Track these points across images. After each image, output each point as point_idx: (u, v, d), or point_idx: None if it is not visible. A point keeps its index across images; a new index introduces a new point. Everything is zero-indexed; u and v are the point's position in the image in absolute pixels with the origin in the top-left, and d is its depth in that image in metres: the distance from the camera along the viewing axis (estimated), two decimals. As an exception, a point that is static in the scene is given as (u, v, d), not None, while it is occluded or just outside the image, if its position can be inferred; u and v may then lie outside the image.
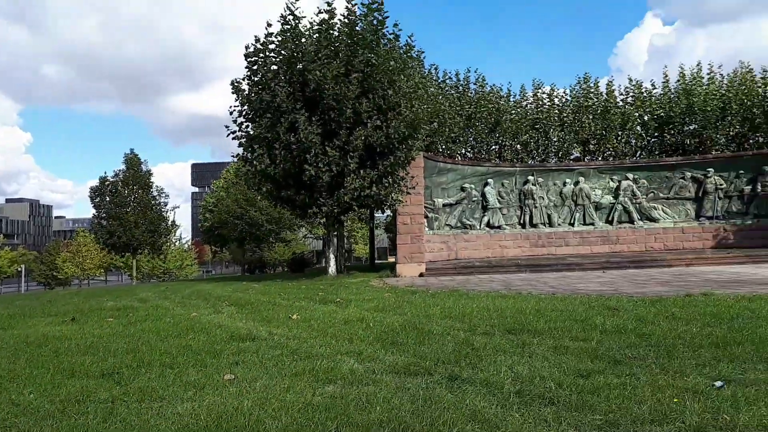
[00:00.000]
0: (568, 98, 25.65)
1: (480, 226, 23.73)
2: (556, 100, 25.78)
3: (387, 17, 18.10)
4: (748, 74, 24.72)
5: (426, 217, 21.45)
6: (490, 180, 23.66)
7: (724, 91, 24.58)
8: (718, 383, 4.30)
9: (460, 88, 24.91)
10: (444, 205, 22.73)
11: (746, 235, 23.47)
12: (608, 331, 6.66)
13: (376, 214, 31.88)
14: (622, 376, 4.67)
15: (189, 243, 59.69)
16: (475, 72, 25.04)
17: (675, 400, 3.96)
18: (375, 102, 17.38)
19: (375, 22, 18.02)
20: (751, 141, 24.77)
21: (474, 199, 23.46)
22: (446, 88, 24.49)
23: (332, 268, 19.17)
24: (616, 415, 3.80)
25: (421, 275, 18.53)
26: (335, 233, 20.20)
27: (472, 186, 23.36)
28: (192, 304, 11.99)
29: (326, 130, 17.38)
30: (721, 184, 23.84)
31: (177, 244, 51.79)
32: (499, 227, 23.94)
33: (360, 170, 17.32)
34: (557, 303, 9.33)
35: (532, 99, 25.68)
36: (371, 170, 17.44)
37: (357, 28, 18.18)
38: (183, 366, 5.70)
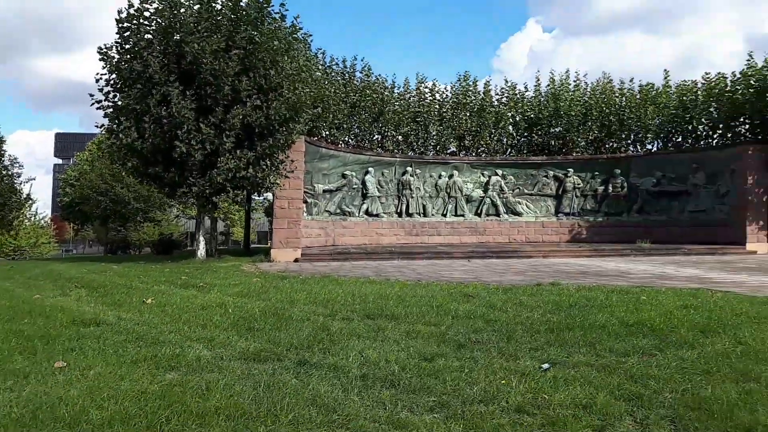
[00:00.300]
0: (449, 94, 26.57)
1: (359, 213, 24.00)
2: (437, 95, 26.60)
3: (273, -5, 17.60)
4: (608, 84, 27.08)
5: (305, 202, 21.30)
6: (371, 168, 23.97)
7: (587, 98, 26.74)
8: (545, 365, 4.66)
9: (346, 75, 24.89)
10: (324, 191, 22.69)
11: (597, 231, 25.83)
12: (460, 316, 7.00)
13: (256, 198, 31.15)
14: (462, 359, 4.92)
15: (47, 219, 54.53)
16: (362, 61, 25.16)
17: (503, 381, 4.24)
18: (256, 81, 16.86)
19: (260, -1, 17.46)
20: (606, 146, 27.16)
21: (354, 186, 23.66)
22: (332, 74, 24.35)
23: (201, 251, 18.44)
24: (449, 396, 3.99)
25: (296, 261, 18.38)
26: (207, 215, 19.44)
27: (353, 173, 23.54)
28: (38, 285, 10.98)
29: (201, 106, 16.60)
30: (578, 184, 26.00)
31: (33, 219, 47.12)
32: (377, 215, 24.37)
33: (236, 150, 16.76)
34: (420, 289, 9.65)
35: (415, 92, 26.27)
36: (248, 151, 16.94)
37: (241, 3, 17.50)
38: (8, 353, 5.18)
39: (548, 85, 27.33)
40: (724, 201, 23.05)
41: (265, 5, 17.57)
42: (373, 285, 10.55)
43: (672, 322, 6.44)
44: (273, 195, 19.63)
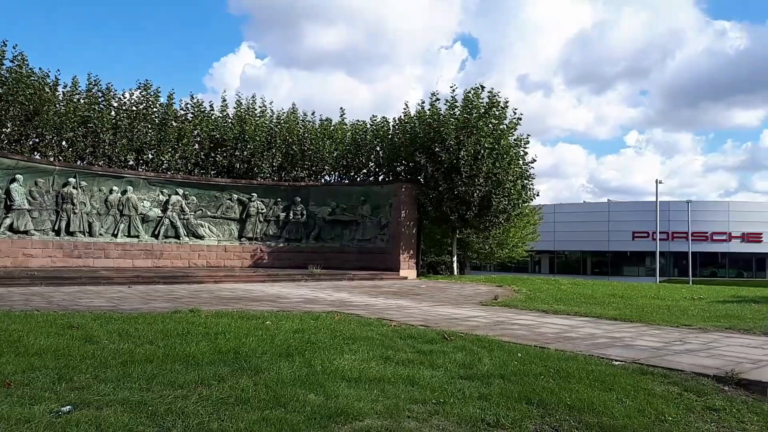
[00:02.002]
0: (126, 102, 24.38)
1: (0, 229, 20.08)
2: (114, 102, 24.18)
3: None
4: (292, 115, 28.32)
5: None
6: (19, 176, 20.37)
7: (273, 126, 27.48)
8: (66, 408, 4.00)
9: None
10: (-53, 200, 18.37)
11: (278, 256, 26.48)
12: (30, 353, 5.87)
13: None
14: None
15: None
16: (14, 48, 21.31)
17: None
18: None
19: None
20: (291, 174, 28.23)
21: (-7, 196, 19.75)
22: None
23: None
24: None
25: None
26: None
27: (-6, 180, 19.69)
28: None
29: None
30: (262, 209, 26.35)
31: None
32: (26, 232, 20.75)
33: None
34: (17, 323, 8.06)
35: (85, 95, 23.37)
36: None
37: None
38: None
39: (235, 108, 27.34)
40: (384, 232, 25.94)
41: None
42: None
43: (263, 347, 6.45)
44: None
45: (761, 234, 56.82)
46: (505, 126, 24.47)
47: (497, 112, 24.34)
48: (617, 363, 6.58)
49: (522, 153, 24.95)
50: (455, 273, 27.82)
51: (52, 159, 22.02)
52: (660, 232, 49.93)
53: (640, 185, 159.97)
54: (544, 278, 28.29)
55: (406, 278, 24.25)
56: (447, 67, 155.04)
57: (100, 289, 15.77)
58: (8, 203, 20.18)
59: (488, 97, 24.58)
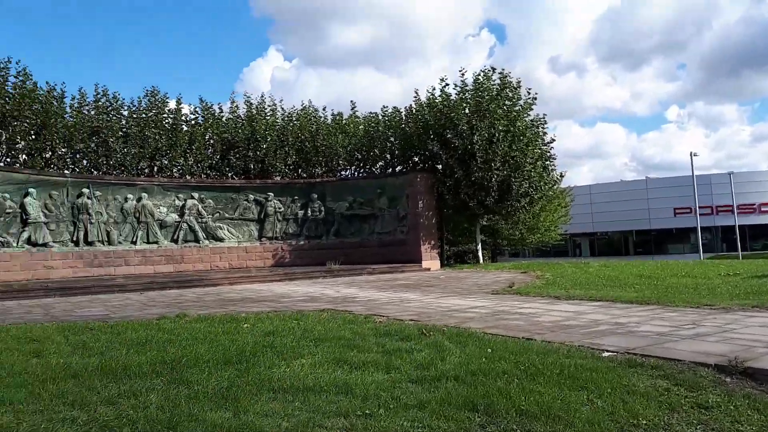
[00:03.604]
0: (135, 109, 24.29)
1: (18, 243, 20.32)
2: (124, 111, 24.15)
3: None
4: (303, 112, 27.82)
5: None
6: (32, 190, 20.52)
7: (285, 124, 27.09)
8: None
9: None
10: (-37, 217, 18.62)
11: (299, 254, 26.11)
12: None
13: None
14: None
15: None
16: (17, 64, 21.36)
17: None
18: None
19: None
20: (308, 171, 27.76)
21: (9, 211, 19.97)
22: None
23: None
24: None
25: None
26: None
27: (7, 195, 19.89)
28: None
29: None
30: (279, 208, 26.04)
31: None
32: (44, 245, 20.92)
33: None
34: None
35: (94, 105, 23.38)
36: None
37: None
38: None
39: (246, 108, 27.01)
40: (403, 223, 25.24)
41: None
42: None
43: (210, 355, 5.93)
44: None
45: (814, 202, 53.56)
46: (519, 107, 23.41)
47: (510, 93, 23.30)
48: (606, 354, 5.80)
49: (540, 133, 23.83)
50: (481, 261, 26.94)
51: (65, 171, 22.15)
52: (701, 207, 47.55)
53: (684, 160, 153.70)
54: (576, 262, 27.09)
55: (428, 269, 23.53)
56: (475, 55, 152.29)
57: (109, 297, 15.65)
58: (24, 217, 20.37)
59: (499, 78, 23.55)
